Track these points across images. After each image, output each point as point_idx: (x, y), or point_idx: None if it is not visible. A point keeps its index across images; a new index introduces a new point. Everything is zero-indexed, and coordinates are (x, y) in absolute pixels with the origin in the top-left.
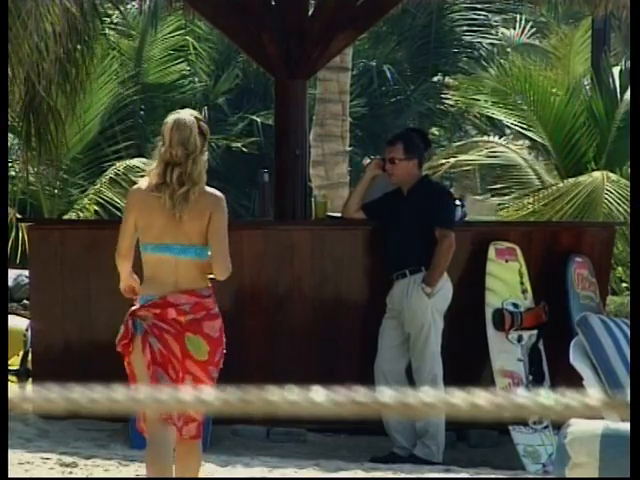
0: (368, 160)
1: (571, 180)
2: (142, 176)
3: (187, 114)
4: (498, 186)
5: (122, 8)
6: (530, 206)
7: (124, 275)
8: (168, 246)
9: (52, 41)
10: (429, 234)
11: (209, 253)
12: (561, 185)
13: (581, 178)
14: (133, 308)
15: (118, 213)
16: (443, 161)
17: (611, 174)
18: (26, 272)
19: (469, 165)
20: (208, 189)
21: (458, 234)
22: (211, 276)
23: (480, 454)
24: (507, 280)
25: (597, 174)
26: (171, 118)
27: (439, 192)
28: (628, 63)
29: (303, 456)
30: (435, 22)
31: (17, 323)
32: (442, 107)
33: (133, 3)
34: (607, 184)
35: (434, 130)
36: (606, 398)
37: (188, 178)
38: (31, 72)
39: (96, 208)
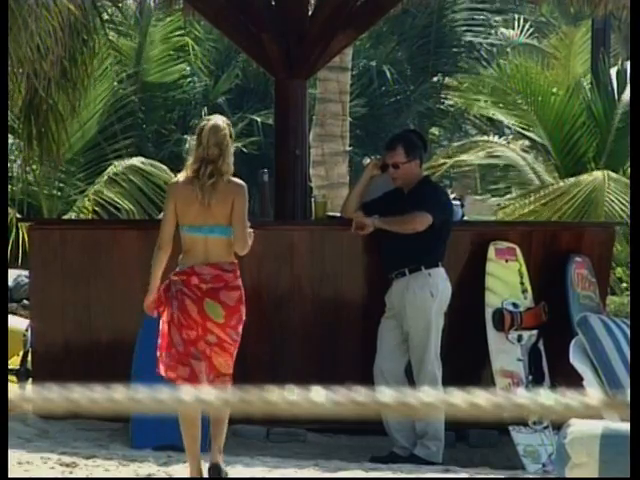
0: (368, 160)
1: (571, 179)
2: (142, 175)
3: (221, 120)
4: (498, 186)
5: (122, 8)
6: (531, 205)
7: (155, 282)
8: (200, 227)
9: (52, 41)
10: (428, 233)
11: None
12: (562, 184)
13: (581, 177)
14: (170, 275)
15: (118, 213)
16: (443, 161)
17: (612, 173)
18: (26, 272)
19: (469, 165)
20: (233, 179)
21: (458, 234)
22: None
23: (480, 454)
24: (507, 280)
25: (598, 173)
26: (209, 123)
27: (435, 191)
28: (625, 64)
29: (303, 456)
30: (435, 22)
31: (17, 323)
32: (442, 107)
33: (131, 2)
34: (608, 183)
35: (434, 130)
36: (606, 398)
37: (217, 172)
38: (31, 72)
39: (96, 208)
